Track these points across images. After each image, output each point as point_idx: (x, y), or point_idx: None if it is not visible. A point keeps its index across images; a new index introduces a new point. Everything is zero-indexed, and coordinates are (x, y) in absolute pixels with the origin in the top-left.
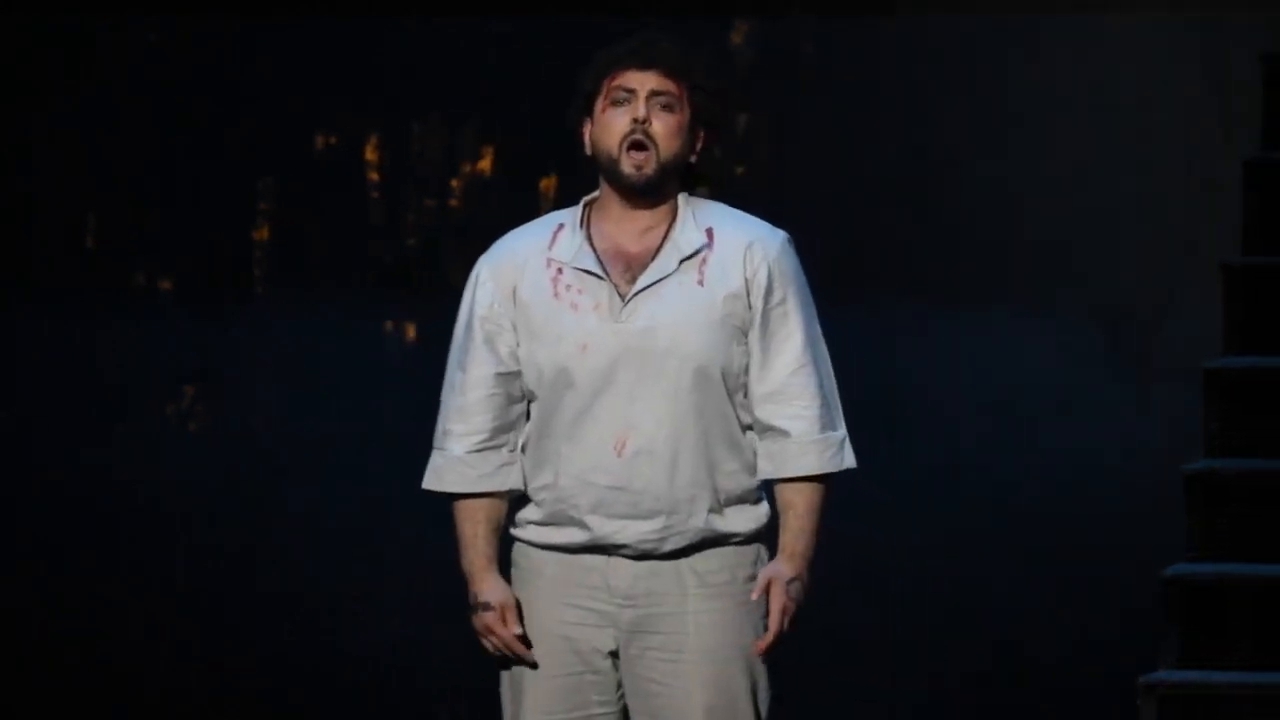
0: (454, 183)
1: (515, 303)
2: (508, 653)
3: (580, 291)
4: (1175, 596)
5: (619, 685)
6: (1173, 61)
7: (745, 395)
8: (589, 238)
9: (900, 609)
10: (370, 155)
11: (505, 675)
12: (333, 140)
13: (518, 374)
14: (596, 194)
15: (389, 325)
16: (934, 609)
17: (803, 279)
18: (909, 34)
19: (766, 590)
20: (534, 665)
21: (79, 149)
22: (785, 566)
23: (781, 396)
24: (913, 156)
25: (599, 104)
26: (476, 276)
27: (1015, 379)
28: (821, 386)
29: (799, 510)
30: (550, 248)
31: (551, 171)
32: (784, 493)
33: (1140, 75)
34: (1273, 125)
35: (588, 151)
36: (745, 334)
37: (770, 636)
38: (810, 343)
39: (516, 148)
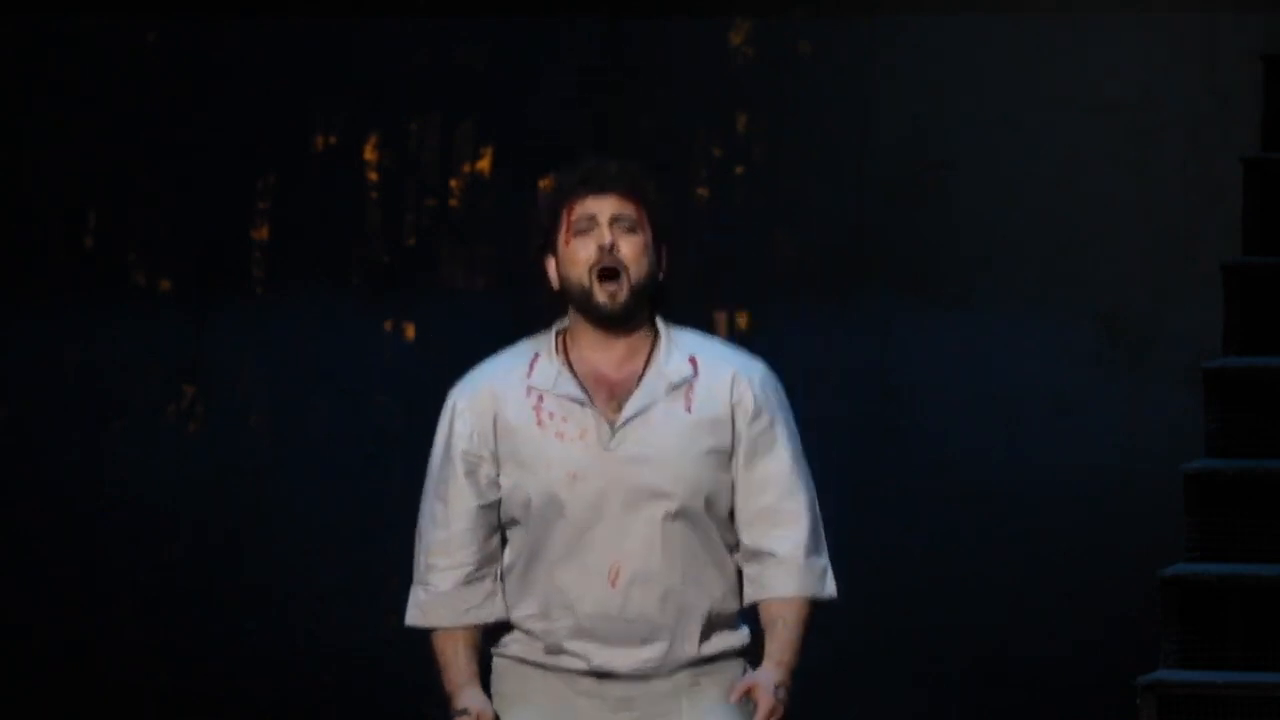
0: (453, 182)
1: (497, 433)
2: None
3: (565, 419)
4: (1174, 597)
5: None
6: (1171, 61)
7: (731, 519)
8: (568, 363)
9: (897, 609)
10: (369, 155)
11: None
12: (332, 140)
13: (497, 504)
14: (566, 323)
15: (387, 324)
16: (931, 609)
17: (786, 404)
18: (906, 33)
19: (747, 694)
20: None
21: (78, 148)
22: (772, 672)
23: (769, 520)
24: (910, 155)
25: (561, 236)
26: (454, 407)
27: (1013, 379)
28: (809, 510)
29: (788, 621)
30: (529, 375)
31: (550, 171)
32: (771, 608)
33: (1138, 74)
34: (1271, 125)
35: (554, 286)
36: (730, 459)
37: None
38: (797, 467)
39: (515, 147)
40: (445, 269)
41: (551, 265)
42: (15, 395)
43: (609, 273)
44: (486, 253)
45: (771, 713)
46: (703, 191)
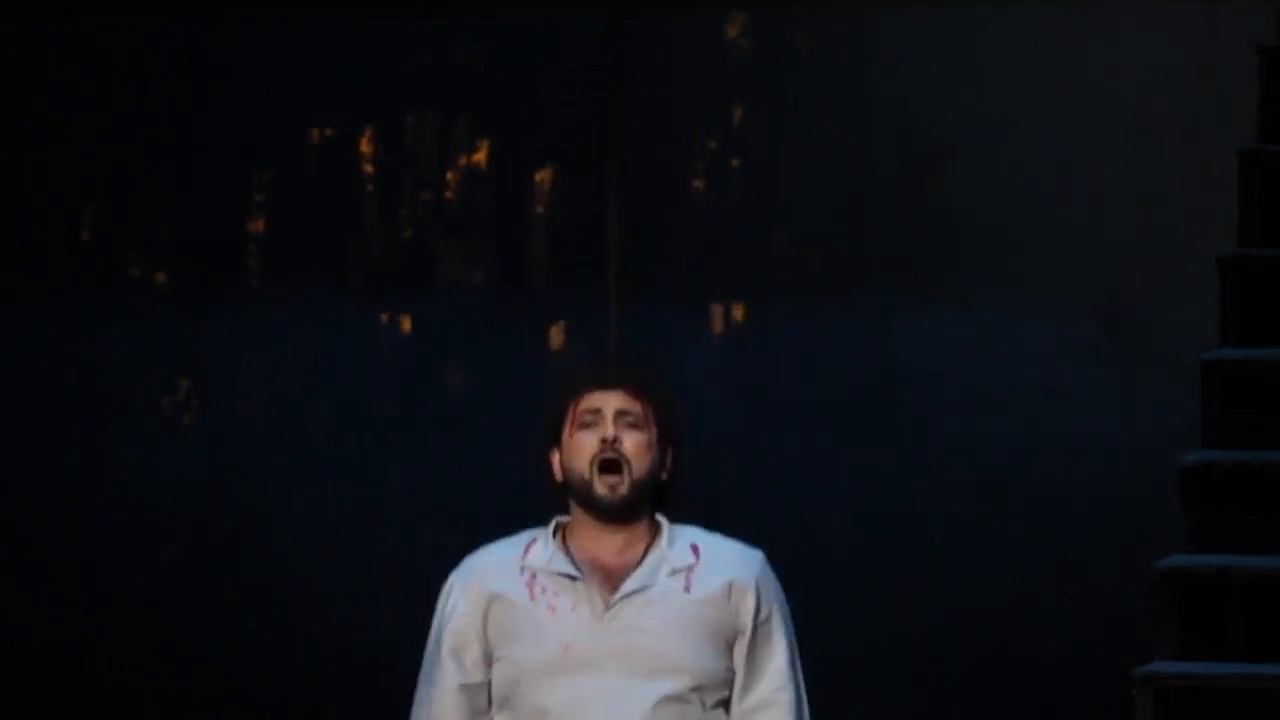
0: (449, 176)
1: (488, 612)
2: None
3: (557, 594)
4: (1171, 589)
5: None
6: (1168, 53)
7: (726, 710)
8: (564, 548)
9: (895, 606)
10: (365, 148)
11: None
12: (328, 133)
13: (484, 685)
14: (568, 517)
15: (384, 317)
16: (929, 606)
17: (783, 596)
18: (903, 26)
19: None
20: None
21: (75, 145)
22: None
23: (763, 712)
24: (907, 148)
25: (566, 430)
26: (449, 589)
27: (1010, 371)
28: (799, 703)
29: None
30: (524, 557)
31: (546, 165)
32: None
33: (1135, 66)
34: (1269, 117)
35: (557, 479)
36: (731, 647)
37: None
38: (792, 661)
39: (511, 141)
40: (442, 264)
41: (555, 458)
42: (13, 392)
43: (610, 465)
44: (483, 247)
45: None
46: (699, 184)
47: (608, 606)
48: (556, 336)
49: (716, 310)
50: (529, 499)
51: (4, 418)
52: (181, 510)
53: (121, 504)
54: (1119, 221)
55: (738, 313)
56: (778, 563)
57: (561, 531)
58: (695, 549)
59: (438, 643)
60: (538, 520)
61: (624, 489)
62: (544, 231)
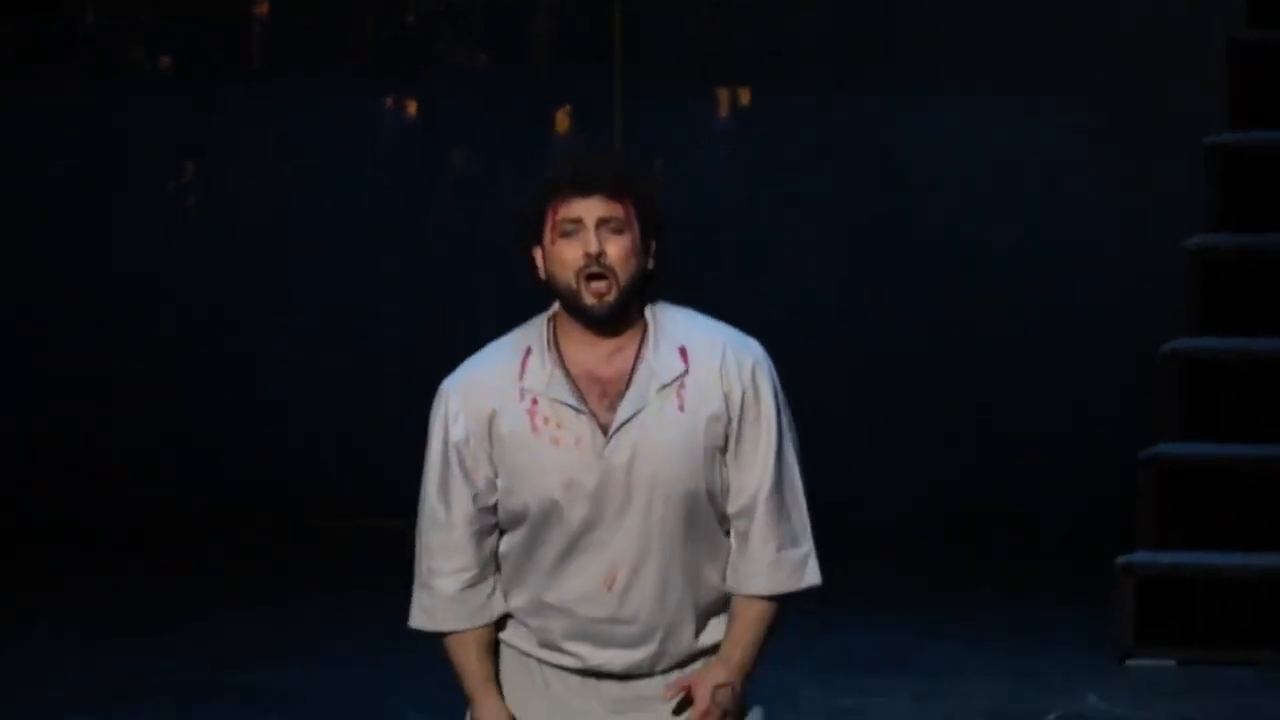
0: None
1: (491, 437)
2: None
3: (560, 425)
4: (1173, 371)
5: None
6: None
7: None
8: (560, 362)
9: (900, 390)
10: None
11: None
12: None
13: (494, 508)
14: (556, 309)
15: (388, 102)
16: (934, 388)
17: (777, 390)
18: None
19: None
20: None
21: None
22: (717, 670)
23: (746, 514)
24: None
25: (547, 235)
26: (446, 408)
27: (1015, 157)
28: (784, 504)
29: (745, 620)
30: (522, 377)
31: None
32: (737, 603)
33: None
34: None
35: (541, 278)
36: (724, 453)
37: None
38: (779, 459)
39: None
40: (446, 48)
41: (539, 256)
42: (17, 170)
43: (596, 276)
44: (488, 31)
45: (705, 715)
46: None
47: (607, 437)
48: (561, 121)
49: (722, 93)
50: (531, 286)
51: (12, 197)
52: (184, 290)
53: (125, 282)
54: (1123, 6)
55: (743, 96)
56: (778, 350)
57: (554, 334)
58: (684, 352)
59: (446, 463)
60: (539, 305)
61: (612, 297)
62: (548, 15)
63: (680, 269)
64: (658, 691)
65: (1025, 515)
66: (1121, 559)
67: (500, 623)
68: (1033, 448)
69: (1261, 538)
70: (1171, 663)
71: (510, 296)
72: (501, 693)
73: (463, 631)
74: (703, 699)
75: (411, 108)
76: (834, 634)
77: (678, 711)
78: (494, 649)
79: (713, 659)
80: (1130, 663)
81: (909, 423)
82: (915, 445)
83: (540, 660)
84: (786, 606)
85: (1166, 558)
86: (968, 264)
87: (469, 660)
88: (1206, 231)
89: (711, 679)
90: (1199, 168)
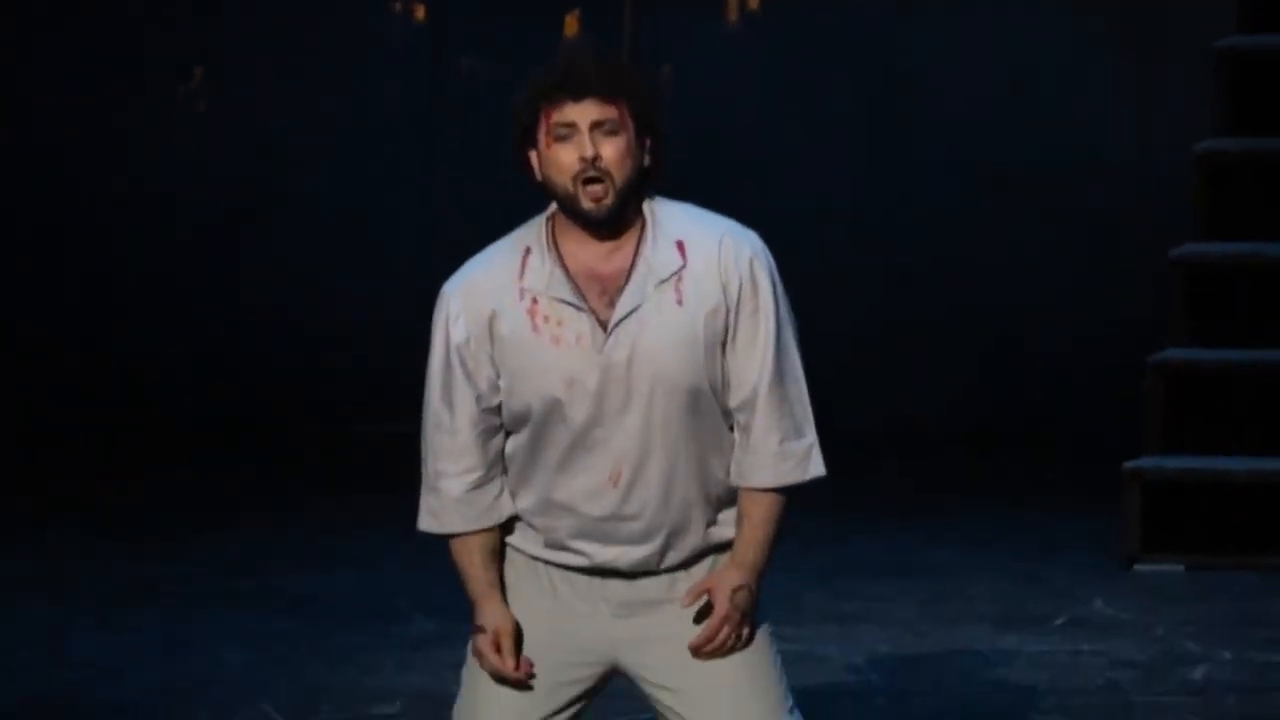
0: None
1: (493, 338)
2: (497, 674)
3: (560, 324)
4: (1183, 277)
5: (590, 694)
6: None
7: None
8: (559, 260)
9: (911, 295)
10: None
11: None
12: None
13: (498, 408)
14: (554, 209)
15: (396, 6)
16: (944, 294)
17: (776, 282)
18: None
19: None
20: (524, 687)
21: None
22: (733, 573)
23: (747, 406)
24: None
25: (541, 137)
26: (447, 310)
27: (1026, 62)
28: (787, 396)
29: (754, 520)
30: (521, 276)
31: None
32: (742, 499)
33: None
34: None
35: (538, 178)
36: (724, 345)
37: (702, 639)
38: (779, 351)
39: None
40: None
41: (534, 159)
42: (32, 76)
43: (593, 180)
44: None
45: (725, 619)
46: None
47: (607, 333)
48: (571, 24)
49: (731, 0)
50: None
51: (21, 100)
52: (194, 194)
53: (136, 186)
54: None
55: (752, 2)
56: (785, 255)
57: (553, 233)
58: (681, 246)
59: (448, 365)
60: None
61: (609, 200)
62: None
63: (688, 176)
64: (663, 593)
65: (1034, 421)
66: (1129, 464)
67: (508, 529)
68: (1042, 354)
69: (1269, 443)
70: (1178, 567)
71: (519, 200)
72: (506, 598)
73: (469, 534)
74: (722, 603)
75: (420, 11)
76: (838, 540)
77: (697, 619)
78: (499, 556)
79: (725, 561)
80: (1137, 568)
81: (918, 330)
82: (924, 352)
83: (547, 562)
84: (792, 500)
85: (1174, 463)
86: (978, 171)
87: (474, 565)
88: (1215, 136)
89: (729, 582)
90: (1209, 72)
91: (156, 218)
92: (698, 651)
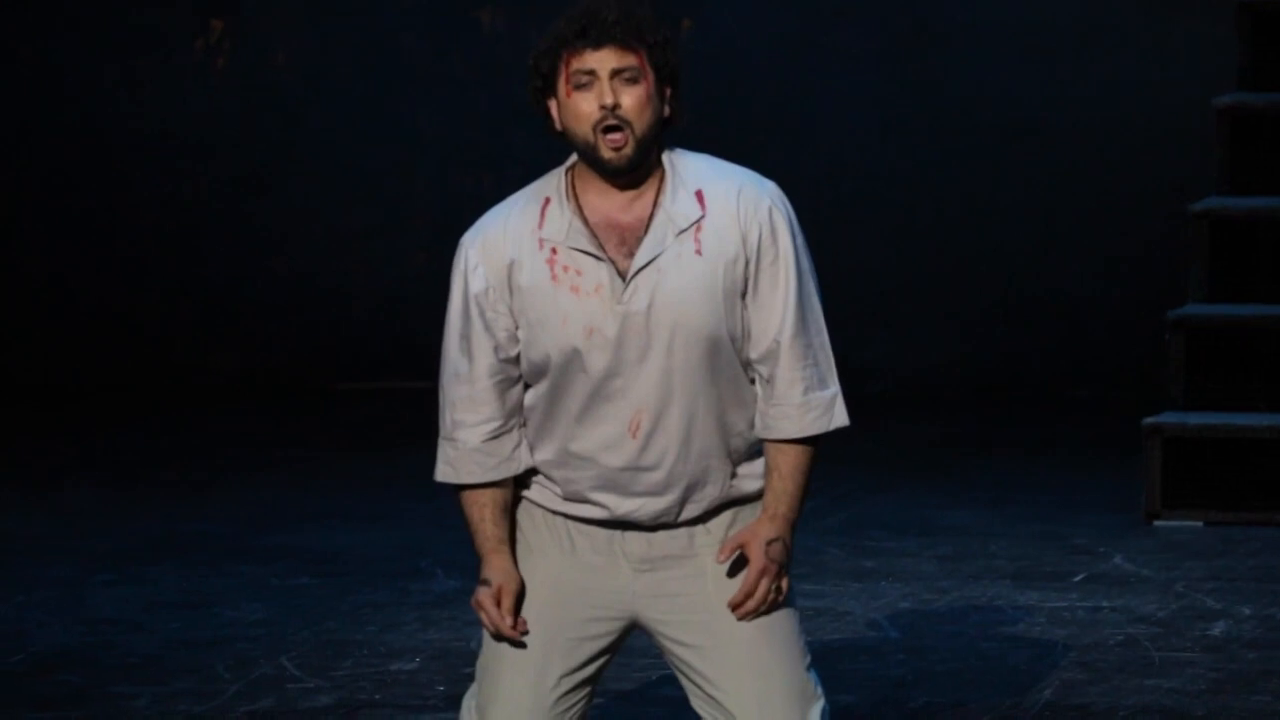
0: None
1: (511, 288)
2: (494, 631)
3: (579, 273)
4: (1203, 230)
5: (609, 650)
6: None
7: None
8: (579, 210)
9: (928, 244)
10: None
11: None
12: None
13: (516, 359)
14: (574, 160)
15: None
16: (962, 243)
17: (796, 232)
18: None
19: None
20: (519, 645)
21: None
22: (766, 527)
23: (770, 357)
24: None
25: (561, 86)
26: (466, 261)
27: (1046, 12)
28: (810, 346)
29: (783, 472)
30: (540, 226)
31: None
32: (770, 452)
33: None
34: None
35: (557, 128)
36: (743, 296)
37: (741, 595)
38: (800, 300)
39: None
40: None
41: (554, 107)
42: (47, 32)
43: (613, 129)
44: None
45: (763, 572)
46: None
47: (626, 282)
48: None
49: None
50: (560, 143)
51: (39, 54)
52: (212, 148)
53: (155, 141)
54: None
55: None
56: (808, 205)
57: (572, 184)
58: (700, 196)
59: (467, 316)
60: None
61: (629, 149)
62: None
63: (710, 126)
64: (682, 548)
65: (1053, 376)
66: (1149, 420)
67: (525, 484)
68: (1062, 308)
69: None
70: (1199, 524)
71: (540, 152)
72: (522, 554)
73: (484, 486)
74: (758, 557)
75: None
76: (857, 497)
77: (731, 573)
78: (510, 514)
79: (756, 514)
80: (1157, 524)
81: (937, 281)
82: (942, 304)
83: (567, 516)
84: (818, 451)
85: (1195, 419)
86: (998, 121)
87: (485, 521)
88: (1237, 90)
89: (762, 535)
90: (1231, 24)
91: (174, 172)
92: (736, 609)
